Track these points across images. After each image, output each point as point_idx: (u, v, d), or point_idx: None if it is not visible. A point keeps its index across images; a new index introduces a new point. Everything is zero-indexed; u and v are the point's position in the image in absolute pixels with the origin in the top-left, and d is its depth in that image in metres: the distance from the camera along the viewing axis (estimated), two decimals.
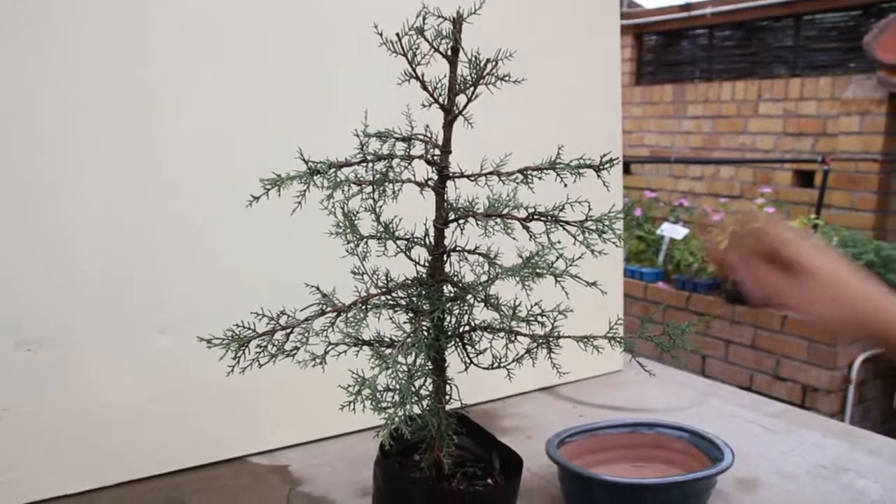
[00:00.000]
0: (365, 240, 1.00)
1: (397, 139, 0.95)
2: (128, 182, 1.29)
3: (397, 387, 0.79)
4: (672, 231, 4.76)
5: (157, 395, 1.37)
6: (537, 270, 0.83)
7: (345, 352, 1.00)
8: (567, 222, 0.87)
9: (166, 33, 1.30)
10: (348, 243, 0.98)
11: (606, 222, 0.83)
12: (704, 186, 5.56)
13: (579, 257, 0.85)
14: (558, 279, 0.84)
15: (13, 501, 1.25)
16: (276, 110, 1.41)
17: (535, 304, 0.88)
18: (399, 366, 0.82)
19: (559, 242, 0.85)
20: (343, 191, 0.91)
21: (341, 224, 0.99)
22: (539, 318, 0.88)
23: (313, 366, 1.01)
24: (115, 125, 1.27)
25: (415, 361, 0.84)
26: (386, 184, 0.93)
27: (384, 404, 0.76)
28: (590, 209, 0.85)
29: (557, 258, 0.84)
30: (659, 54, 6.34)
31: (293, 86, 1.42)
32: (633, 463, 1.39)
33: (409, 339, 0.83)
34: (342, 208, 0.96)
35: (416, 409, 0.88)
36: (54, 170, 1.22)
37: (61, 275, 1.25)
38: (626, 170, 6.16)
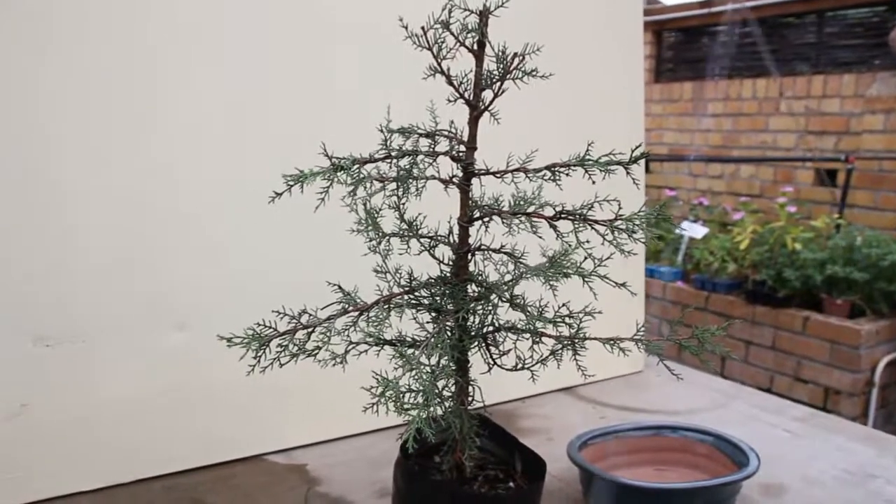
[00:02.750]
0: (387, 237, 0.98)
1: (421, 135, 0.93)
2: (142, 181, 1.28)
3: (420, 388, 0.77)
4: (691, 230, 4.70)
5: (173, 392, 1.36)
6: (564, 270, 0.80)
7: (365, 351, 0.98)
8: (596, 221, 0.84)
9: (173, 25, 1.28)
10: (370, 241, 0.96)
11: (637, 222, 0.80)
12: (724, 185, 5.50)
13: (608, 257, 0.82)
14: (586, 280, 0.82)
15: (29, 497, 1.24)
16: (296, 105, 1.39)
17: (563, 304, 0.86)
18: (422, 367, 0.80)
19: (587, 242, 0.83)
20: (365, 187, 0.89)
21: (363, 221, 0.97)
22: (567, 320, 0.85)
23: (333, 365, 0.99)
24: (125, 123, 1.26)
25: (438, 362, 0.82)
26: (410, 181, 0.90)
27: (407, 406, 0.74)
28: (620, 208, 0.82)
29: (585, 258, 0.81)
30: (678, 51, 6.27)
31: (312, 79, 1.41)
32: (656, 466, 1.36)
33: (432, 340, 0.81)
34: (364, 205, 0.94)
35: (439, 411, 0.86)
36: (65, 170, 1.22)
37: (78, 273, 1.25)
38: (646, 168, 6.10)
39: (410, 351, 0.85)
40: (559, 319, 0.85)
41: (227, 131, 1.34)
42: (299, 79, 1.40)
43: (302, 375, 1.02)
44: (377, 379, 0.76)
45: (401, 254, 0.98)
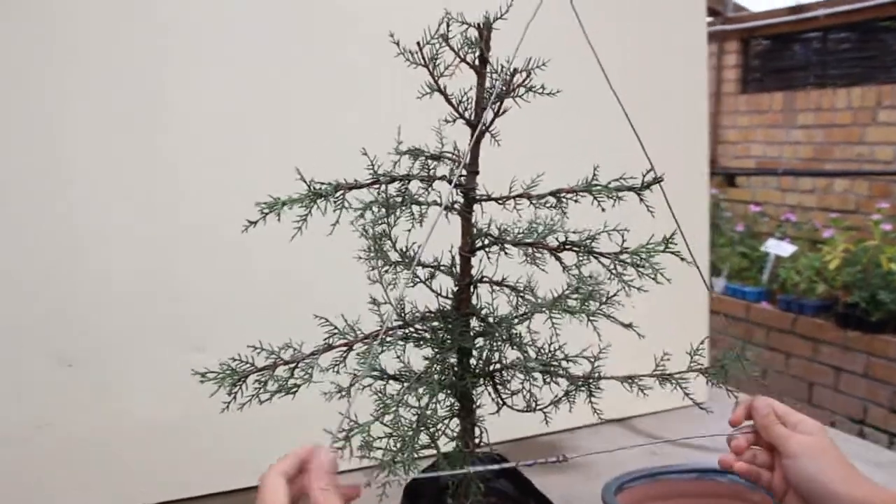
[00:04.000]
0: (393, 266, 0.92)
1: (428, 157, 0.87)
2: (164, 205, 1.28)
3: (396, 434, 0.70)
4: (777, 248, 4.45)
5: (189, 416, 1.34)
6: (568, 309, 0.73)
7: (370, 385, 0.93)
8: (601, 254, 0.76)
9: (187, 32, 1.28)
10: (372, 269, 0.91)
11: (644, 254, 0.72)
12: (815, 200, 5.18)
13: (613, 295, 0.74)
14: (591, 319, 0.74)
15: None
16: (309, 129, 1.36)
17: (559, 347, 0.78)
18: (408, 409, 0.73)
19: (590, 276, 0.75)
20: (373, 212, 0.84)
21: (371, 249, 0.92)
22: (563, 363, 0.77)
23: (339, 398, 0.94)
24: (150, 146, 1.26)
25: (427, 404, 0.76)
26: (411, 206, 0.85)
27: (380, 452, 0.68)
28: (623, 239, 0.74)
29: (589, 292, 0.74)
30: (767, 60, 5.98)
31: (324, 103, 1.37)
32: None
33: (420, 378, 0.75)
34: (367, 231, 0.89)
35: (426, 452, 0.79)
36: (87, 196, 1.24)
37: (99, 295, 1.26)
38: (731, 182, 5.85)
39: (401, 386, 0.79)
40: (556, 363, 0.77)
41: (252, 155, 1.32)
42: (327, 98, 1.37)
43: (321, 401, 0.98)
44: (349, 422, 0.70)
45: (411, 286, 0.92)
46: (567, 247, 0.78)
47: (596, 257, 0.76)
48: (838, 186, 5.03)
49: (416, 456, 0.71)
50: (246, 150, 1.33)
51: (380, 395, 0.75)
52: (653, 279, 0.72)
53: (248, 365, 0.80)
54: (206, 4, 1.28)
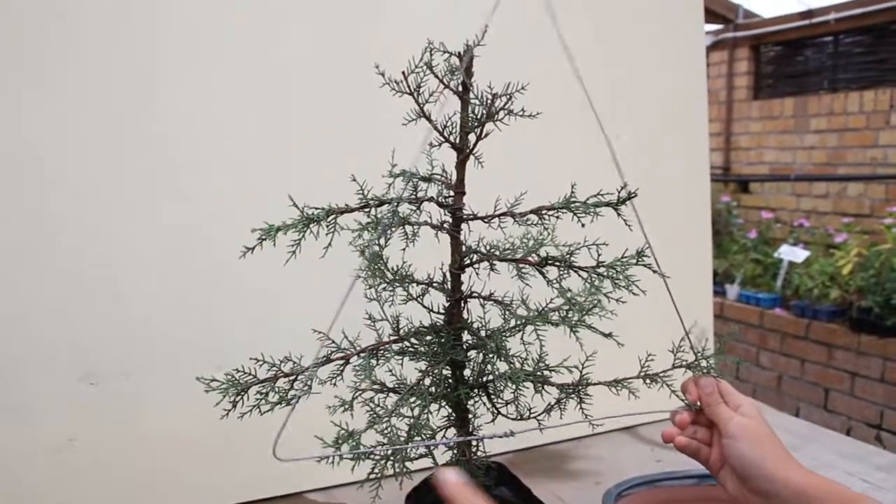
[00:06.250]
0: (390, 283, 0.96)
1: (420, 179, 0.91)
2: (186, 228, 1.33)
3: (393, 440, 0.74)
4: (791, 254, 4.45)
5: (212, 429, 1.38)
6: (551, 321, 0.77)
7: (372, 398, 0.97)
8: (580, 267, 0.80)
9: (198, 60, 1.32)
10: (370, 288, 0.95)
11: (619, 268, 0.76)
12: (830, 205, 5.17)
13: (590, 309, 0.78)
14: (574, 330, 0.78)
15: None
16: (309, 154, 1.41)
17: (541, 357, 0.82)
18: (401, 419, 0.77)
19: (569, 290, 0.78)
20: (369, 232, 0.89)
21: (370, 268, 0.96)
22: (545, 372, 0.81)
23: (343, 411, 0.98)
24: (172, 168, 1.31)
25: (419, 414, 0.80)
26: (403, 226, 0.89)
27: (372, 458, 0.72)
28: (599, 254, 0.78)
29: (568, 307, 0.77)
30: (778, 66, 5.99)
31: (322, 127, 1.41)
32: None
33: (413, 390, 0.79)
34: (363, 252, 0.93)
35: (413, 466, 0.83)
36: (113, 218, 1.28)
37: (122, 312, 1.30)
38: (745, 188, 5.85)
39: (394, 398, 0.83)
40: (538, 372, 0.81)
41: (269, 176, 1.37)
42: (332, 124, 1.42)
43: (343, 412, 1.01)
44: (339, 430, 0.74)
45: (402, 302, 0.96)
46: (549, 262, 0.82)
47: (575, 271, 0.80)
48: (852, 191, 5.02)
49: (408, 460, 0.75)
50: (275, 185, 1.37)
51: (371, 404, 0.79)
52: (628, 290, 0.76)
53: (250, 376, 0.84)
54: (203, 22, 1.32)
